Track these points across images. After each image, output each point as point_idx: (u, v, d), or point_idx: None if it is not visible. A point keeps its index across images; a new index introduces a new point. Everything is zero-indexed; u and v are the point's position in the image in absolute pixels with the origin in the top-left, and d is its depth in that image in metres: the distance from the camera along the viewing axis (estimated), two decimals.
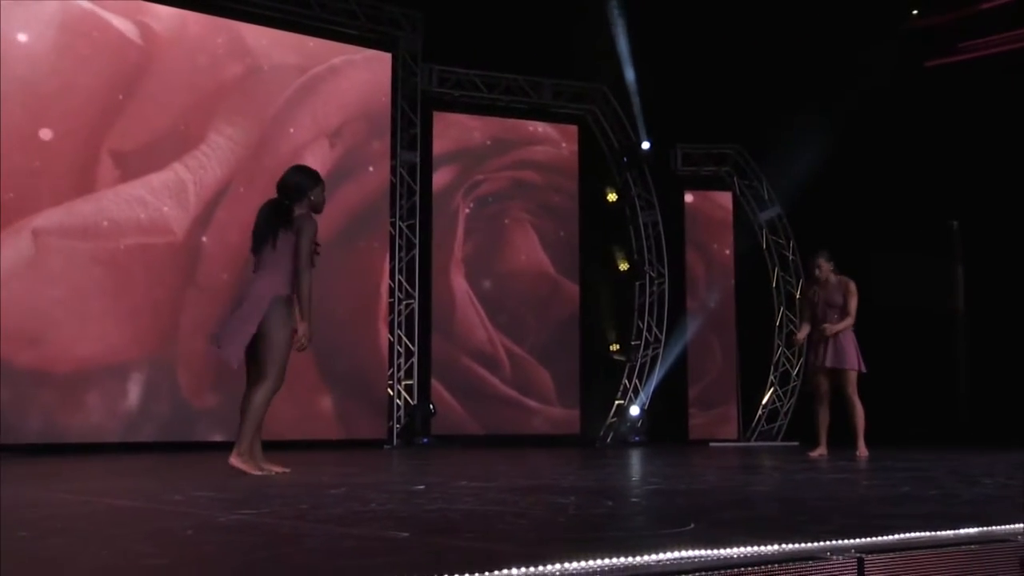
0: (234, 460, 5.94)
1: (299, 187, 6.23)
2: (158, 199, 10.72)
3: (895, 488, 4.88)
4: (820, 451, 8.92)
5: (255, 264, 6.18)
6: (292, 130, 11.73)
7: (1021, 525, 2.95)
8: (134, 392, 10.46)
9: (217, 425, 10.74)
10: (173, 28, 11.07)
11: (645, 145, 14.09)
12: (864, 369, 8.85)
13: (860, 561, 2.42)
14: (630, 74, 13.44)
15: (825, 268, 9.01)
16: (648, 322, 14.27)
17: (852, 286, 8.93)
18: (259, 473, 5.97)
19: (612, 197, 14.55)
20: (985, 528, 2.90)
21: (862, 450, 8.81)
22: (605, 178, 14.51)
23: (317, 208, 6.25)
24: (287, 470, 6.16)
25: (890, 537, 2.68)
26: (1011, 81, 11.58)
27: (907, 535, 2.72)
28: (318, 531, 3.16)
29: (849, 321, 8.81)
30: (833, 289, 8.99)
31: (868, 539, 2.63)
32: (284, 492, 4.77)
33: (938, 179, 12.07)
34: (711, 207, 14.87)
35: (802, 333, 9.16)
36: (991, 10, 11.84)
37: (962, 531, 2.83)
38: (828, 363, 8.84)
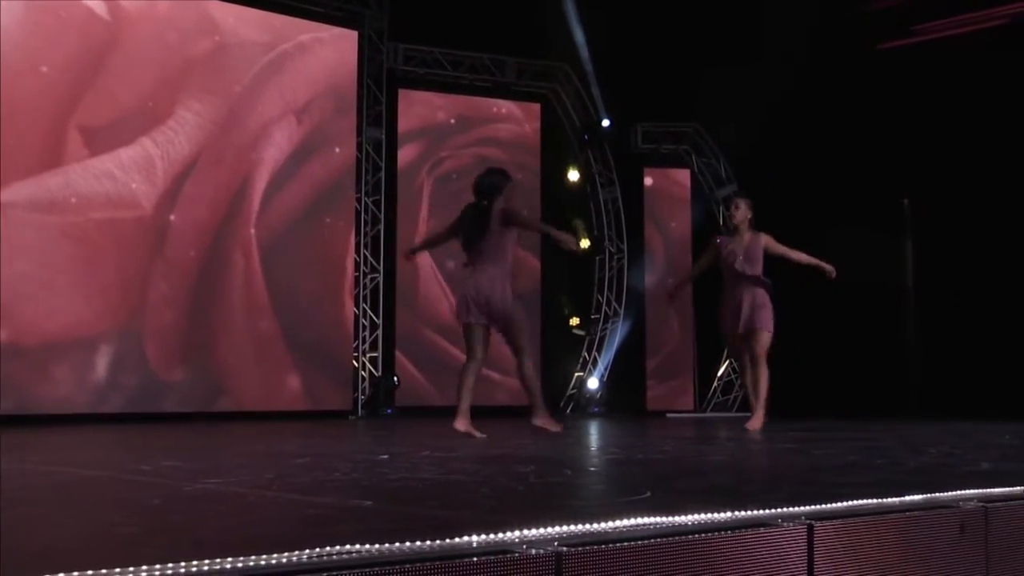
0: (537, 422, 6.97)
1: (494, 186, 7.04)
2: (127, 174, 10.61)
3: (844, 457, 4.93)
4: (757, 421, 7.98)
5: (471, 259, 6.95)
6: (260, 106, 11.64)
7: (962, 492, 3.00)
8: (102, 364, 10.38)
9: (184, 397, 10.69)
10: (141, 4, 10.93)
11: (605, 123, 14.09)
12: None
13: (810, 527, 2.45)
14: (586, 52, 13.39)
15: (743, 211, 8.15)
16: (607, 296, 14.32)
17: (771, 238, 8.12)
18: (557, 429, 6.94)
19: (574, 175, 14.55)
20: (929, 495, 2.94)
21: (756, 421, 7.92)
22: (567, 156, 14.51)
23: (509, 200, 7.04)
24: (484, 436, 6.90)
25: (839, 504, 2.71)
26: (962, 63, 11.66)
27: (855, 502, 2.75)
28: (283, 500, 3.16)
29: (803, 256, 7.99)
30: (751, 243, 8.10)
31: (817, 506, 2.66)
32: (250, 462, 4.76)
33: (890, 158, 12.16)
34: (669, 184, 14.91)
35: (677, 284, 8.55)
36: None
37: (907, 498, 2.87)
38: (741, 328, 8.02)
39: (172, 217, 10.89)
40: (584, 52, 13.32)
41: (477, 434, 6.88)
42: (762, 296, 8.07)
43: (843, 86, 12.44)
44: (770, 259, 8.25)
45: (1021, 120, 11.21)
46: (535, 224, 7.40)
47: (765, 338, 8.01)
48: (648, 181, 14.69)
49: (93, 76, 10.53)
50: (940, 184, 11.89)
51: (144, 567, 1.80)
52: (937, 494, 2.97)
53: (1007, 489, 3.09)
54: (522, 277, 13.86)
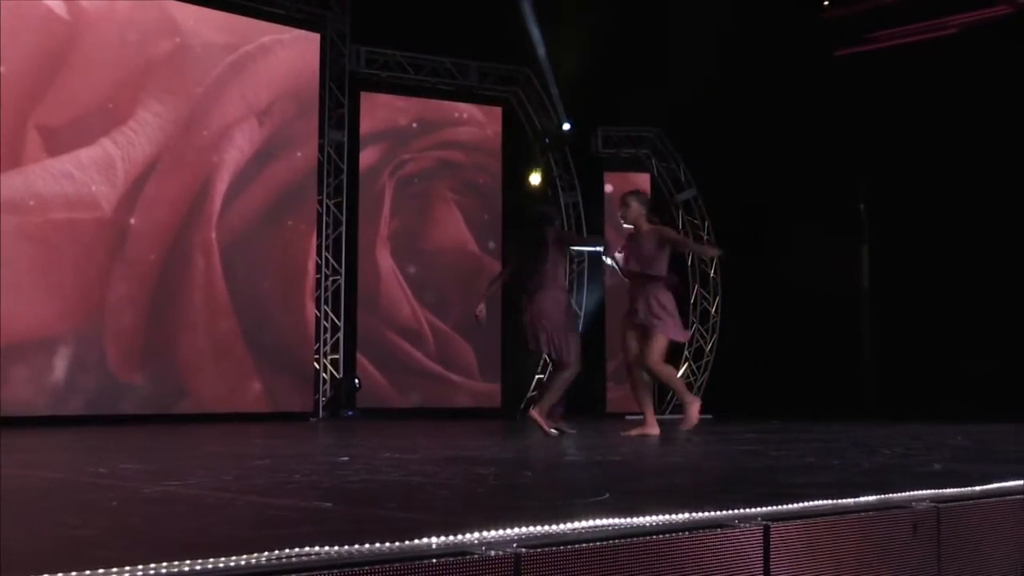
0: (533, 412, 7.35)
1: (548, 216, 7.98)
2: (86, 175, 10.50)
3: (801, 459, 4.97)
4: (646, 428, 7.40)
5: (532, 283, 7.59)
6: (221, 108, 11.56)
7: (915, 492, 3.03)
8: (61, 366, 10.26)
9: (144, 399, 10.59)
10: (101, 4, 10.82)
11: (566, 126, 14.08)
12: (680, 338, 7.73)
13: (766, 528, 2.46)
14: (543, 53, 13.36)
15: (633, 209, 7.61)
16: None
17: (669, 229, 7.80)
18: (552, 432, 7.30)
19: (535, 179, 14.54)
20: (883, 496, 2.97)
21: (641, 429, 7.36)
22: (528, 159, 14.52)
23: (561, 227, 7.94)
24: (574, 431, 7.68)
25: (794, 505, 2.73)
26: (917, 71, 11.80)
27: (810, 503, 2.77)
28: (242, 501, 3.14)
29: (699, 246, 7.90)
30: (645, 238, 7.54)
31: (773, 507, 2.67)
32: (209, 464, 4.73)
33: (848, 164, 12.29)
34: (629, 187, 14.89)
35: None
36: (897, 4, 12.03)
37: (862, 499, 2.89)
38: (639, 319, 7.38)
39: (132, 219, 10.78)
40: (542, 53, 13.30)
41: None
42: (659, 297, 7.38)
43: (801, 92, 12.55)
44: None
45: (976, 125, 11.36)
46: (590, 239, 8.40)
47: (657, 343, 7.23)
48: (608, 188, 14.72)
49: (53, 75, 10.41)
50: (896, 189, 12.03)
51: (101, 570, 1.78)
52: (891, 495, 2.99)
53: (959, 490, 3.13)
54: (482, 280, 13.90)
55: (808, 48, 12.54)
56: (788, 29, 12.64)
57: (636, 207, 7.60)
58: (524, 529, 2.25)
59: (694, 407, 7.60)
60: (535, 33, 12.98)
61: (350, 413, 12.32)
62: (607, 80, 13.39)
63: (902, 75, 11.98)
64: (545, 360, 14.16)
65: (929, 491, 3.07)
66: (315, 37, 12.58)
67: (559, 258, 7.72)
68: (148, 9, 11.14)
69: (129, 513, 2.90)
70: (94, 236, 10.56)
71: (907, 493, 3.02)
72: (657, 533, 2.33)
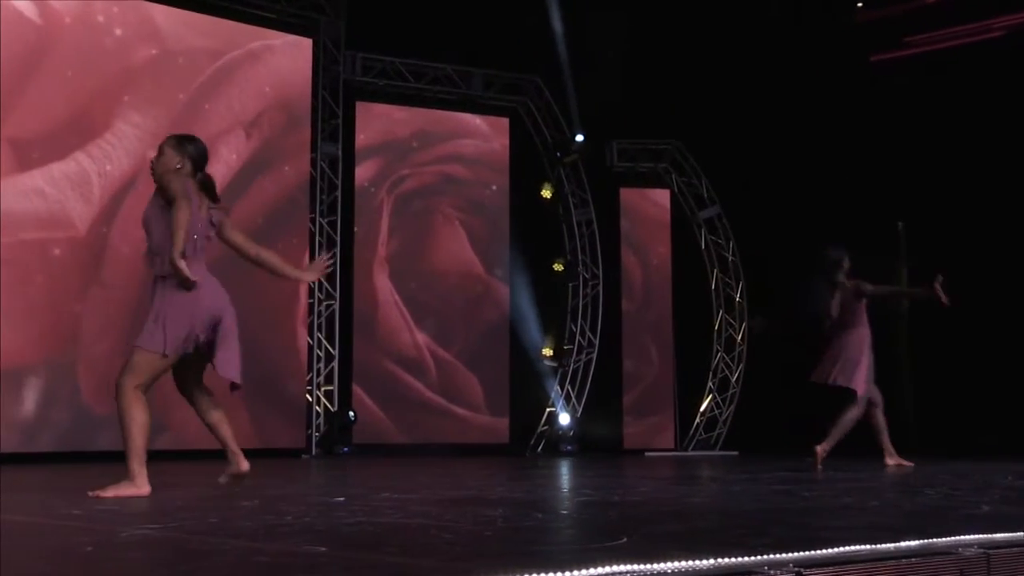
0: (821, 449, 8.29)
1: (837, 261, 8.69)
2: (59, 191, 10.53)
3: (836, 499, 4.95)
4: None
5: (838, 323, 8.58)
6: (205, 119, 11.59)
7: (962, 537, 3.01)
8: (31, 398, 10.26)
9: (120, 434, 10.57)
10: (76, 6, 10.89)
11: (579, 138, 14.07)
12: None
13: (799, 575, 2.45)
14: (564, 59, 13.39)
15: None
16: (581, 326, 14.34)
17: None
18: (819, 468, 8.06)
19: (547, 193, 14.55)
20: (926, 540, 2.95)
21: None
22: (537, 174, 14.53)
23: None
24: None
25: (829, 550, 2.71)
26: (958, 77, 11.81)
27: (847, 548, 2.76)
28: (228, 546, 3.13)
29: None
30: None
31: (807, 552, 2.66)
32: (192, 505, 4.72)
33: (884, 177, 12.26)
34: (648, 205, 14.98)
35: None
36: (937, 4, 12.07)
37: (903, 544, 2.88)
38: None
39: (109, 238, 10.81)
40: (563, 59, 13.30)
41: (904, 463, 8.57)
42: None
43: (834, 100, 12.55)
44: None
45: (1020, 138, 11.34)
46: (887, 290, 9.29)
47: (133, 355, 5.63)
48: (624, 198, 14.74)
49: (22, 84, 10.45)
50: (938, 205, 11.98)
51: None
52: (935, 540, 2.98)
53: (1010, 535, 3.11)
54: (488, 305, 13.91)
55: (841, 53, 12.56)
56: (819, 32, 12.66)
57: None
58: None
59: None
60: (558, 33, 12.98)
61: (345, 449, 12.30)
62: (623, 89, 13.42)
63: (943, 82, 11.98)
64: (556, 391, 14.18)
65: (977, 536, 3.05)
66: (307, 43, 12.63)
67: (846, 301, 8.72)
68: (127, 12, 11.20)
69: (104, 559, 2.90)
70: (67, 257, 10.59)
71: (953, 538, 3.00)
72: None
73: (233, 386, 5.62)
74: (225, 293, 5.65)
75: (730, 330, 14.66)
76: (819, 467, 8.12)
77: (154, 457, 5.72)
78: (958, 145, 11.73)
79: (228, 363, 5.52)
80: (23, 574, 2.61)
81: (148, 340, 5.50)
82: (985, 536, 3.05)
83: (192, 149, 5.64)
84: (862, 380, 8.59)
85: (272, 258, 5.97)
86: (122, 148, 10.98)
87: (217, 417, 6.11)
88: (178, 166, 5.54)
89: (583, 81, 13.75)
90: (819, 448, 8.30)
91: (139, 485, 5.28)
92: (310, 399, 12.39)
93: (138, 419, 5.61)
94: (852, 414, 8.64)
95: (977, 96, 11.70)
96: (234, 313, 5.65)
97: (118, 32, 11.12)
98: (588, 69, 13.55)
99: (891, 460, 8.73)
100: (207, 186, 5.64)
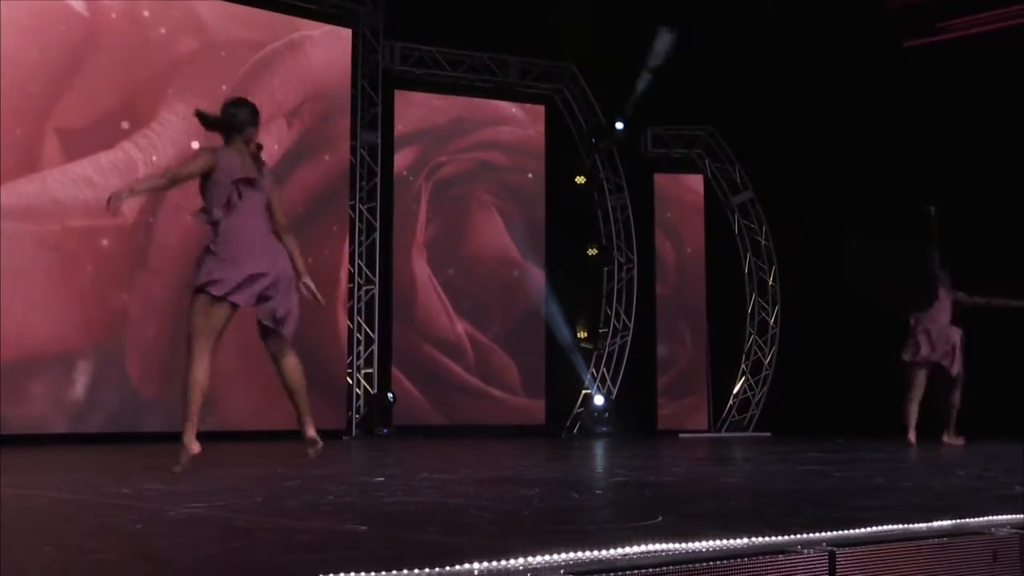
0: (948, 439, 9.42)
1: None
2: (106, 179, 10.59)
3: (869, 479, 4.92)
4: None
5: (939, 308, 9.71)
6: None
7: (995, 517, 2.99)
8: (80, 381, 10.36)
9: (167, 416, 10.64)
10: (123, 3, 10.94)
11: (619, 125, 13.96)
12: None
13: (831, 555, 2.44)
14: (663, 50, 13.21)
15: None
16: (616, 309, 14.31)
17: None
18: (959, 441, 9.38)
19: (581, 180, 14.53)
20: (959, 520, 2.93)
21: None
22: (573, 160, 14.50)
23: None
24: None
25: (862, 530, 2.70)
26: (993, 62, 11.65)
27: (879, 528, 2.74)
28: (272, 524, 3.15)
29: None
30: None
31: (839, 532, 2.65)
32: (237, 485, 4.76)
33: (917, 161, 12.14)
34: (681, 190, 14.92)
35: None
36: None
37: (936, 524, 2.86)
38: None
39: (155, 225, 10.88)
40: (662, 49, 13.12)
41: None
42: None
43: (866, 86, 12.44)
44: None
45: None
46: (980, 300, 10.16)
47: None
48: (658, 183, 14.68)
49: (71, 76, 10.53)
50: (971, 189, 11.84)
51: None
52: (967, 520, 2.95)
53: None
54: (524, 289, 13.89)
55: (873, 39, 12.42)
56: (852, 17, 12.53)
57: None
58: (572, 554, 2.24)
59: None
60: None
61: (384, 431, 12.34)
62: (657, 75, 13.34)
63: (977, 67, 11.83)
64: (592, 373, 14.16)
65: (1010, 516, 3.02)
66: (347, 33, 12.65)
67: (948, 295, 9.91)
68: (171, 5, 11.25)
69: (152, 536, 2.92)
70: (115, 244, 10.67)
71: (986, 518, 2.98)
72: (713, 559, 2.31)
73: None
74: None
75: (763, 313, 14.60)
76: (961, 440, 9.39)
77: (199, 439, 5.75)
78: (991, 130, 11.59)
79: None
80: (74, 550, 2.64)
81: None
82: (1018, 516, 3.02)
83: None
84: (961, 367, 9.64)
85: (290, 243, 6.06)
86: (167, 137, 11.04)
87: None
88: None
89: (619, 68, 13.65)
90: (946, 439, 9.43)
91: None
92: (350, 382, 12.44)
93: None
94: (958, 395, 9.62)
95: (1014, 80, 11.54)
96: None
97: (163, 24, 11.17)
98: (622, 55, 13.47)
99: (948, 438, 9.55)
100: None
